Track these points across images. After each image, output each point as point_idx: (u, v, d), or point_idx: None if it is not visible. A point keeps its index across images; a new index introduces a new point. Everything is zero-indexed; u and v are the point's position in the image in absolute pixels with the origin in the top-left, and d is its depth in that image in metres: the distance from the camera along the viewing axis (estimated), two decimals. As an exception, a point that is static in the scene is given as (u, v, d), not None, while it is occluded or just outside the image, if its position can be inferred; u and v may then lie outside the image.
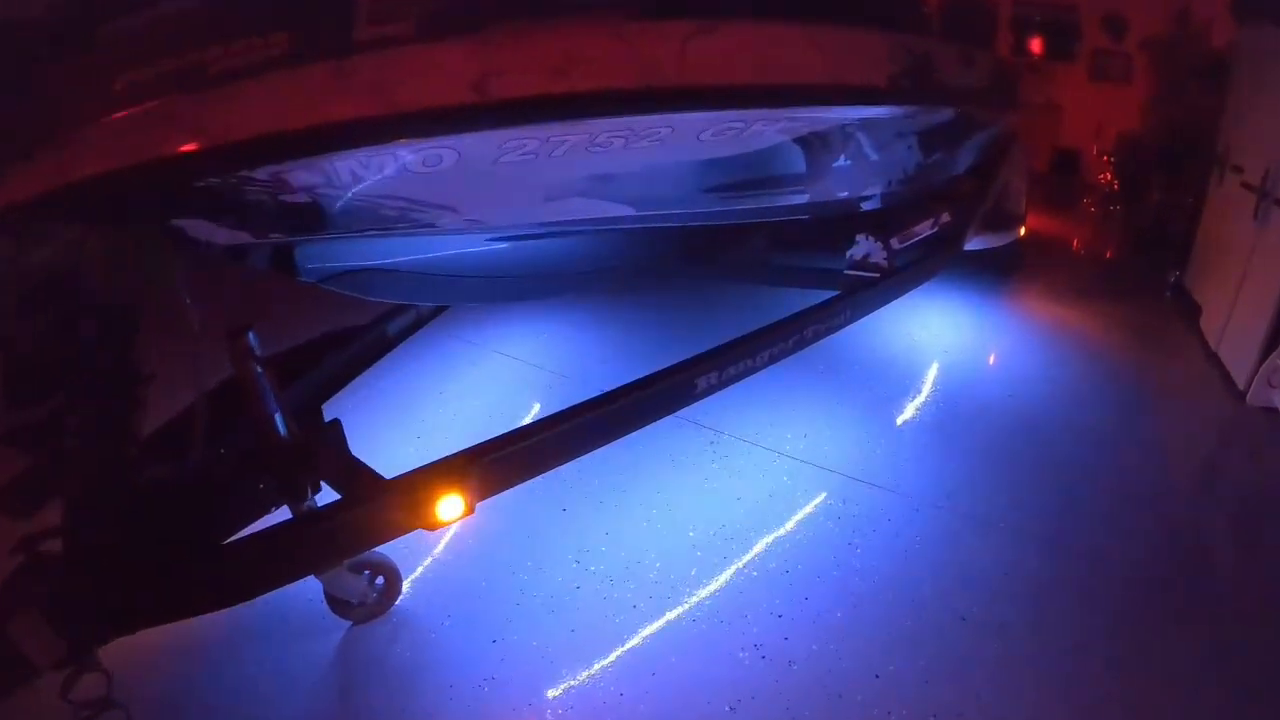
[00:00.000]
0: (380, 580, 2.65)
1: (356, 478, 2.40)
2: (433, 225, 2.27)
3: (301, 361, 3.01)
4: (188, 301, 2.06)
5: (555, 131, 1.98)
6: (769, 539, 3.32)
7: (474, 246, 2.87)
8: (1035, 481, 3.74)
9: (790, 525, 3.41)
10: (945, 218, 4.73)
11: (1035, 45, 8.81)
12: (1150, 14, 8.00)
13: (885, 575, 3.12)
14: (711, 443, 3.96)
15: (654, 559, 3.14)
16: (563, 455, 2.61)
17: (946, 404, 4.42)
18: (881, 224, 4.32)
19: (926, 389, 4.59)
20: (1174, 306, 5.85)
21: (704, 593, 3.01)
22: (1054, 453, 3.98)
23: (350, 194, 2.00)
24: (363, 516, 2.26)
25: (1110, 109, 8.24)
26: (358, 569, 2.56)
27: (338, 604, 2.61)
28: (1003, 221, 5.82)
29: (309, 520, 2.36)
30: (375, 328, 3.47)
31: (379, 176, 1.95)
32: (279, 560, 2.17)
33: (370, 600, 2.63)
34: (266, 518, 2.47)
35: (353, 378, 3.31)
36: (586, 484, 3.54)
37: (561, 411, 2.58)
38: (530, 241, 2.96)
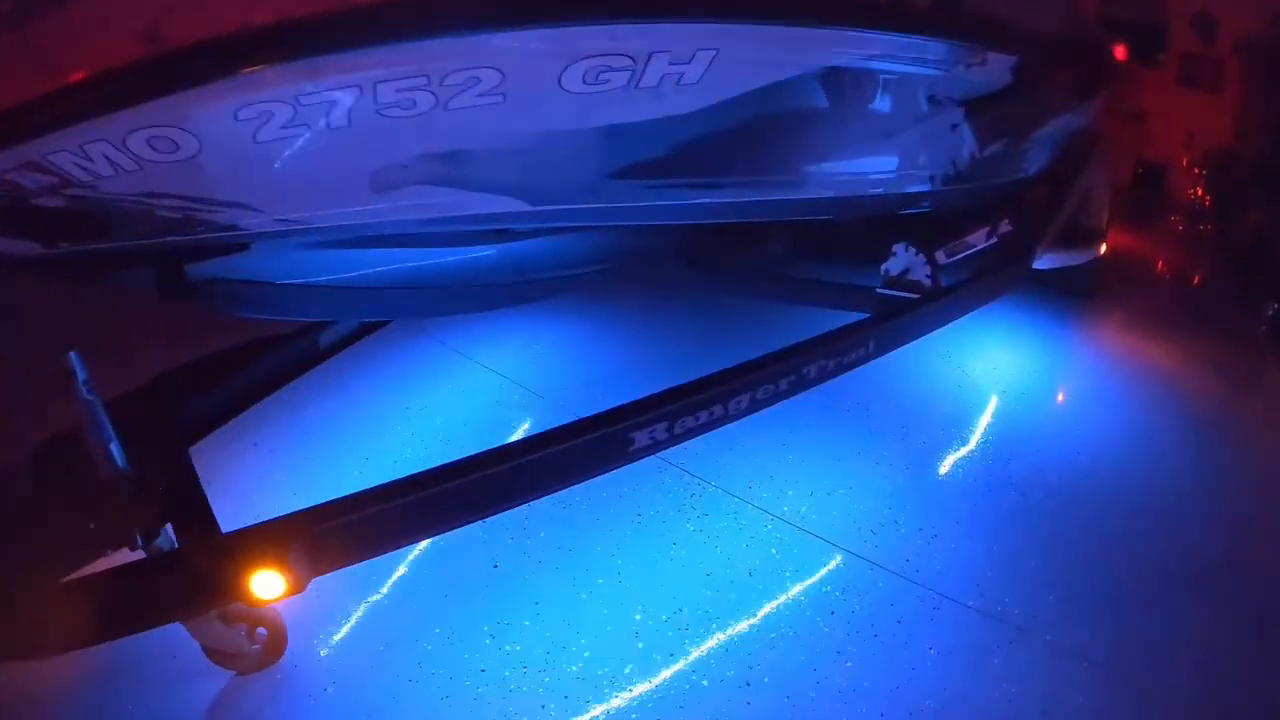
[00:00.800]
0: (261, 631, 2.32)
1: (189, 529, 1.98)
2: (237, 227, 1.84)
3: (201, 377, 2.65)
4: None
5: (287, 87, 1.53)
6: (734, 633, 2.61)
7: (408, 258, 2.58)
8: (1099, 577, 2.91)
9: (770, 622, 2.68)
10: (1006, 227, 3.83)
11: (1120, 51, 7.91)
12: (1243, 14, 7.04)
13: (878, 701, 2.37)
14: (693, 495, 3.25)
15: (584, 645, 2.54)
16: (431, 527, 2.19)
17: (997, 462, 3.57)
18: (927, 232, 3.53)
19: (974, 440, 3.75)
20: (1271, 343, 5.00)
21: (632, 702, 2.35)
22: (1125, 535, 3.14)
23: (96, 193, 1.63)
24: (163, 581, 1.93)
25: (1200, 118, 7.32)
26: (231, 620, 2.23)
27: (214, 653, 2.29)
28: (1081, 237, 4.89)
29: (120, 573, 1.93)
30: (301, 339, 3.03)
31: (111, 170, 1.59)
32: (103, 610, 1.84)
33: (250, 652, 2.31)
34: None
35: (267, 394, 2.89)
36: (530, 535, 2.96)
37: (433, 470, 2.06)
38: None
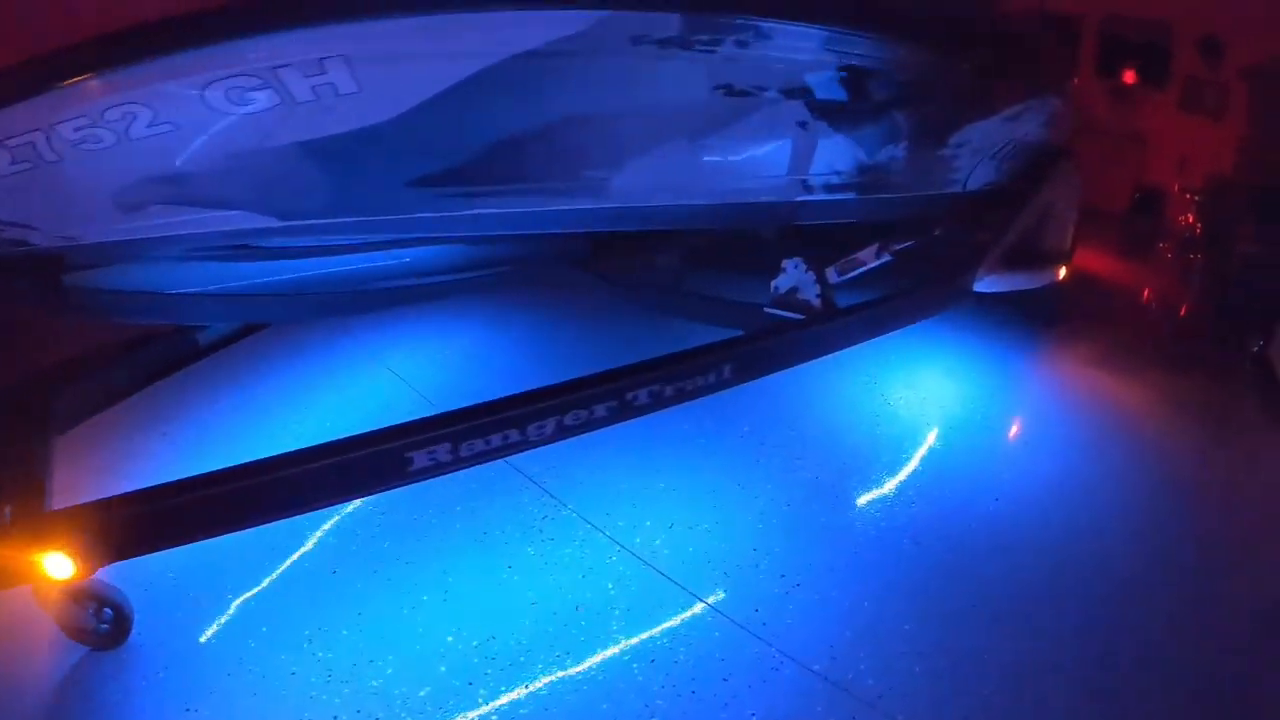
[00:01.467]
0: (108, 612, 2.41)
1: (21, 508, 2.05)
2: (28, 243, 1.97)
3: (76, 370, 2.74)
4: None
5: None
6: (539, 671, 2.34)
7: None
8: (983, 654, 2.49)
9: (582, 665, 2.36)
10: (905, 244, 3.44)
11: (1128, 75, 7.51)
12: (1252, 39, 6.61)
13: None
14: (545, 517, 2.99)
15: (390, 661, 2.38)
16: (209, 528, 2.16)
17: (897, 506, 3.17)
18: (820, 245, 3.22)
19: (876, 479, 3.34)
20: (1253, 382, 4.52)
21: None
22: (1030, 606, 2.69)
23: None
24: None
25: (1201, 144, 6.85)
26: (79, 599, 2.33)
27: (67, 629, 2.39)
28: (1037, 259, 4.42)
29: None
30: (178, 337, 3.08)
31: None
32: None
33: (99, 630, 2.40)
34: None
35: (142, 388, 3.02)
36: (373, 544, 2.85)
37: (222, 471, 2.11)
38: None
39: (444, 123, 1.94)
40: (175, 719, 2.22)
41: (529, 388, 2.54)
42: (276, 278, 2.67)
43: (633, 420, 2.61)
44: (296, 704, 2.24)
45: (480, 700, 2.26)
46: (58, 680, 2.35)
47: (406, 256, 2.89)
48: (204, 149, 1.88)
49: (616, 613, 2.56)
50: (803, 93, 2.47)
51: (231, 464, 2.14)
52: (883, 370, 4.15)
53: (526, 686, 2.30)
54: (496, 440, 2.27)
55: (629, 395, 2.45)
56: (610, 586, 2.67)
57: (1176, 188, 6.86)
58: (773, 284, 3.23)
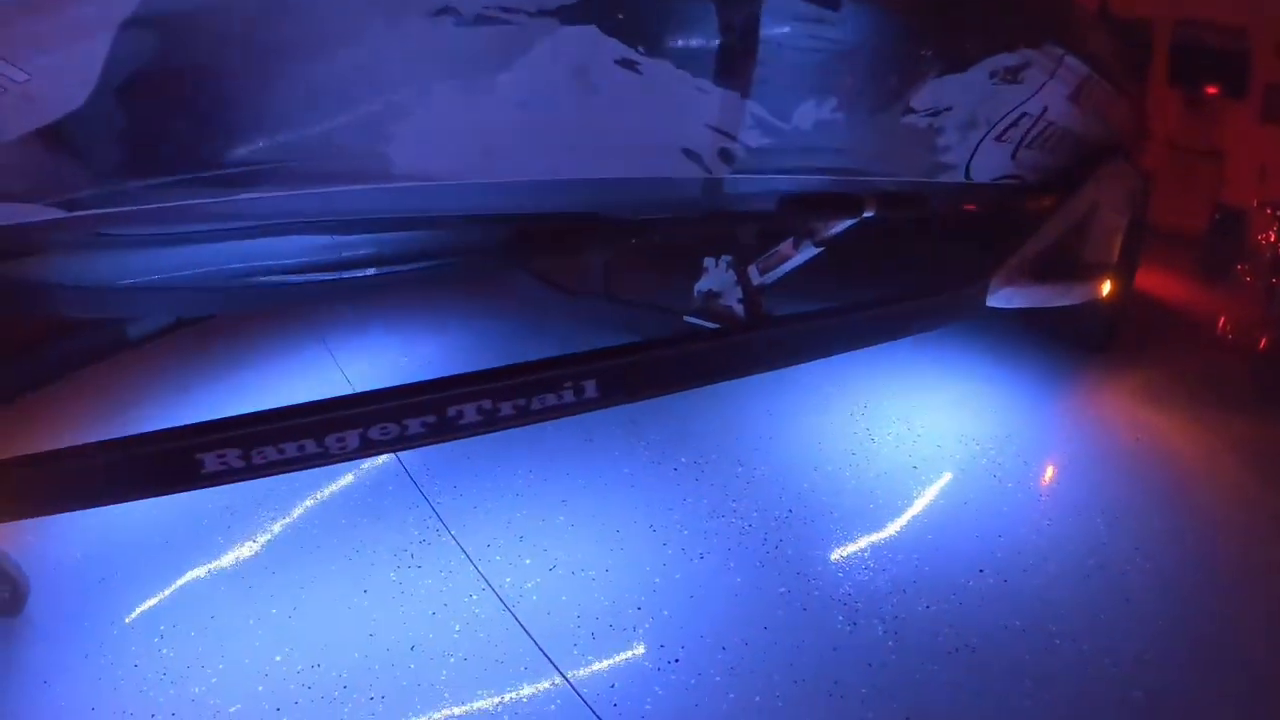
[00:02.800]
0: (6, 581, 2.47)
1: None
2: None
3: None
4: None
5: None
6: (350, 711, 1.99)
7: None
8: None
9: (390, 704, 1.98)
10: (825, 234, 2.79)
11: (1204, 85, 6.82)
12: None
13: None
14: (422, 541, 2.63)
15: (217, 672, 2.20)
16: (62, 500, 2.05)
17: (843, 570, 2.53)
18: (743, 241, 2.67)
19: (841, 542, 2.67)
20: None
21: None
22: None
23: None
24: None
25: None
26: None
27: None
28: (1070, 271, 3.72)
29: None
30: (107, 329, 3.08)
31: None
32: None
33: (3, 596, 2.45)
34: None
35: (66, 374, 3.07)
36: (251, 547, 2.66)
37: (80, 446, 1.95)
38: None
39: (135, 104, 1.56)
40: (33, 690, 2.21)
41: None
42: (197, 270, 2.37)
43: (500, 433, 2.16)
44: (128, 697, 2.16)
45: None
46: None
47: (318, 251, 2.50)
48: None
49: (452, 661, 2.14)
50: (603, 11, 1.84)
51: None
52: (877, 398, 3.52)
53: None
54: (292, 449, 1.94)
55: (450, 411, 2.03)
56: (457, 630, 2.24)
57: (1256, 202, 5.99)
58: (695, 287, 2.68)
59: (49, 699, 2.17)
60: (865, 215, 2.57)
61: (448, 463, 2.98)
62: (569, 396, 2.14)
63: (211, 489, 1.95)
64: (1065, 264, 3.74)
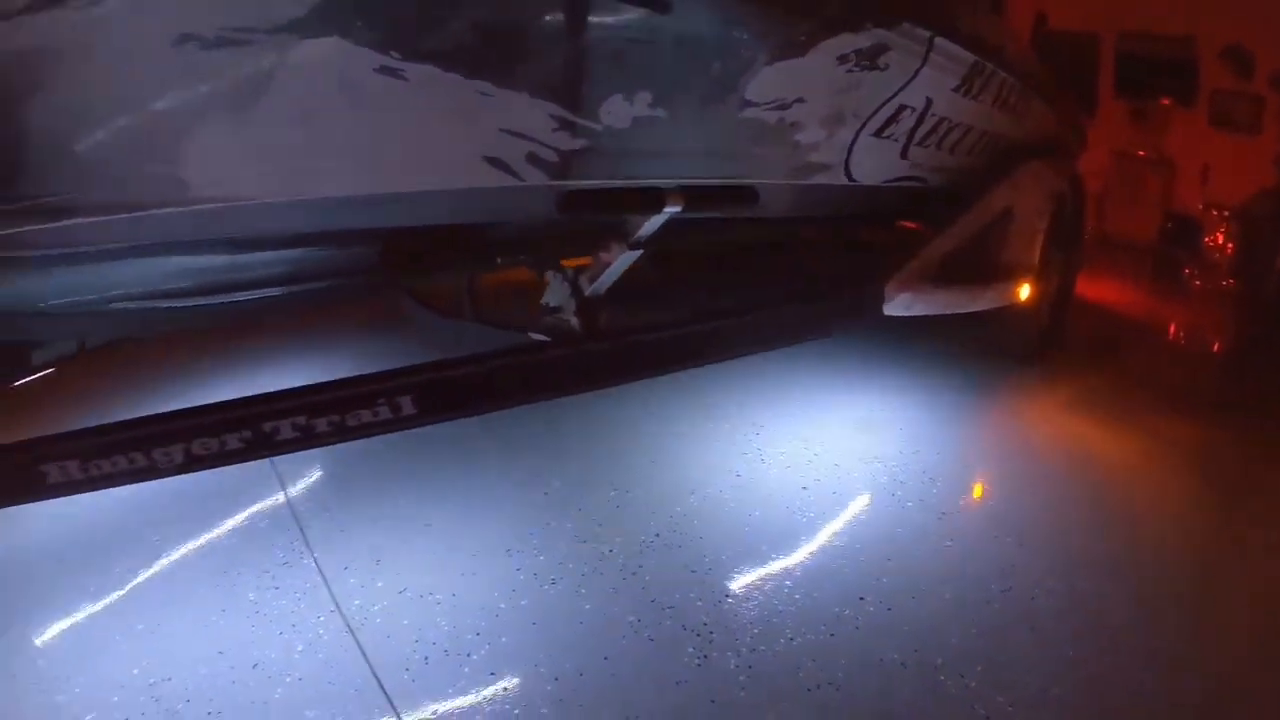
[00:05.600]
0: None
1: None
2: None
3: None
4: None
5: None
6: None
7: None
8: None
9: None
10: (641, 234, 2.51)
11: (1161, 98, 6.84)
12: (1282, 45, 5.81)
13: None
14: (285, 563, 2.54)
15: (77, 684, 2.15)
16: None
17: (724, 606, 2.33)
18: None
19: (708, 569, 2.46)
20: None
21: None
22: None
23: None
24: None
25: (1234, 162, 6.05)
26: None
27: None
28: (980, 274, 3.53)
29: None
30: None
31: None
32: None
33: None
34: None
35: None
36: (138, 552, 2.64)
37: None
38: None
39: None
40: None
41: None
42: (67, 298, 2.22)
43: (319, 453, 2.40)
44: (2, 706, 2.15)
45: None
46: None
47: (181, 278, 2.34)
48: None
49: (288, 680, 2.07)
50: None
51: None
52: (776, 416, 3.34)
53: None
54: (123, 462, 1.91)
55: (265, 426, 1.94)
56: (299, 650, 2.17)
57: (1202, 205, 5.93)
58: (540, 301, 2.53)
59: None
60: (670, 211, 2.36)
61: (326, 485, 2.92)
62: (385, 413, 2.01)
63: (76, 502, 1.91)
64: (974, 268, 3.55)
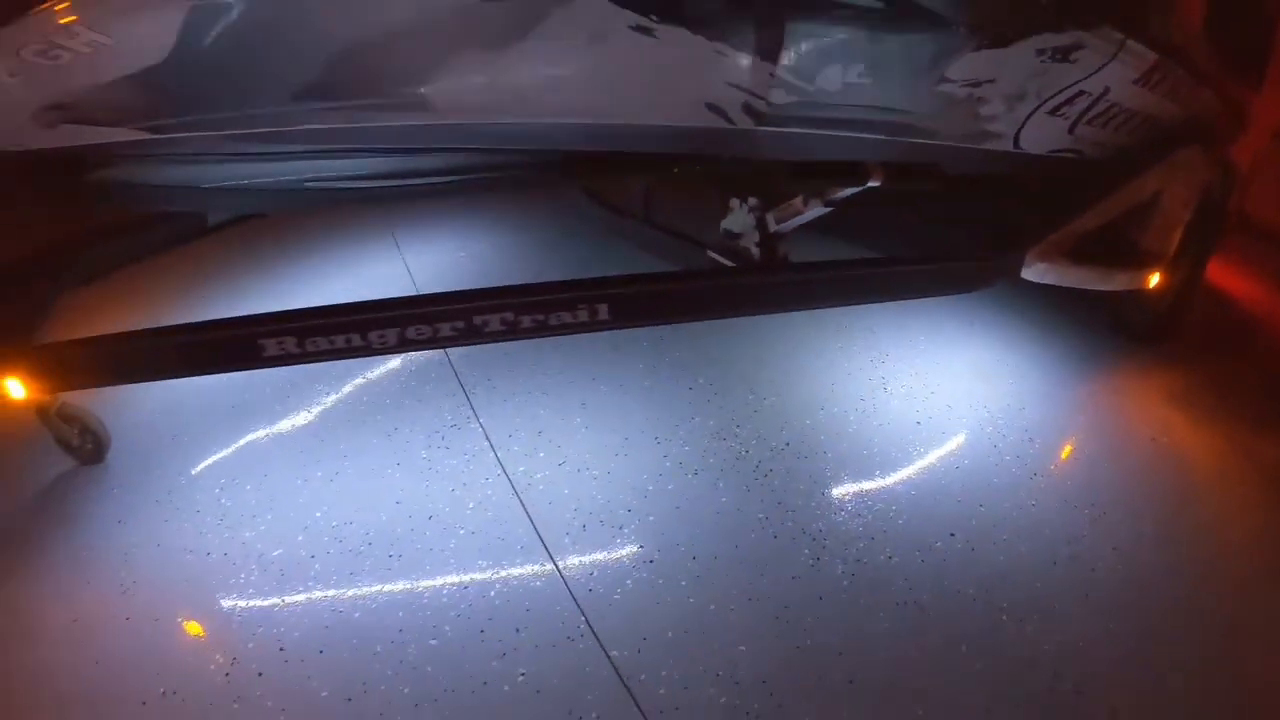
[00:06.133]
0: (89, 434, 2.85)
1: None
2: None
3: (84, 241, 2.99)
4: None
5: None
6: (365, 569, 2.41)
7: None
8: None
9: (404, 570, 2.37)
10: (836, 195, 2.84)
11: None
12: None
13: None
14: (453, 425, 2.98)
15: (264, 521, 2.62)
16: (146, 372, 2.48)
17: (838, 518, 2.71)
18: (766, 186, 2.80)
19: (826, 482, 2.86)
20: None
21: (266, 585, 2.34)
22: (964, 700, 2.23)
23: None
24: None
25: None
26: (68, 420, 2.80)
27: (59, 442, 2.86)
28: (1113, 253, 3.63)
29: None
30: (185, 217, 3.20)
31: None
32: None
33: (84, 448, 2.86)
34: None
35: (148, 257, 3.21)
36: (304, 411, 3.10)
37: (125, 333, 2.35)
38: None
39: (205, 60, 1.98)
40: (109, 528, 2.57)
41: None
42: (283, 177, 2.61)
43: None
44: (189, 537, 2.52)
45: (311, 574, 2.39)
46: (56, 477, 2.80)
47: (389, 161, 2.75)
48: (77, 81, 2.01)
49: (461, 533, 2.49)
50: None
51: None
52: (900, 349, 3.61)
53: (351, 574, 2.38)
54: (340, 341, 2.30)
55: (476, 319, 2.32)
56: (470, 506, 2.58)
57: None
58: (721, 224, 2.82)
59: (121, 535, 2.54)
60: (871, 185, 2.66)
61: (489, 358, 3.29)
62: (584, 316, 2.39)
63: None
64: (1112, 249, 3.63)
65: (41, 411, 2.72)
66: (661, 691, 2.01)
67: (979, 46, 2.44)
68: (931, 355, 3.65)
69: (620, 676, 2.06)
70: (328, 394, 3.13)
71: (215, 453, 2.88)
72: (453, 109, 2.11)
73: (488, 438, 2.88)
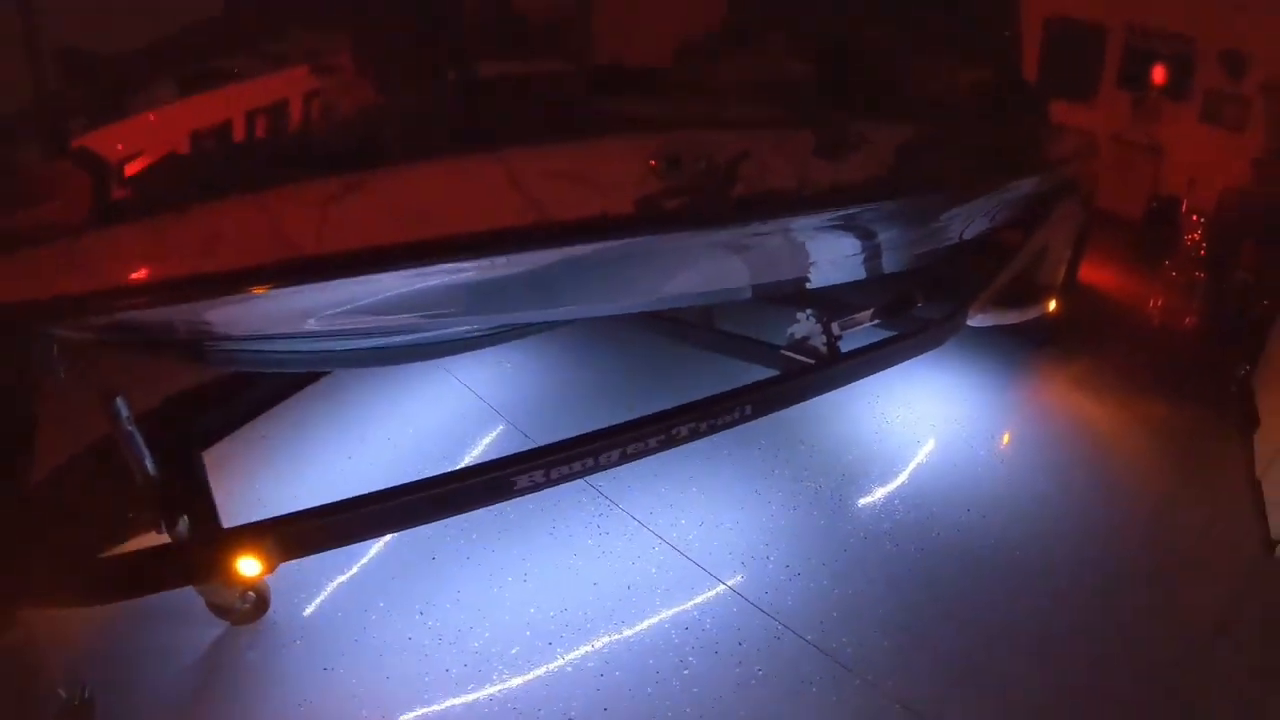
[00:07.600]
0: (251, 594, 3.00)
1: (199, 522, 2.67)
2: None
3: (209, 397, 3.38)
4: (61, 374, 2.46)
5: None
6: (602, 633, 3.19)
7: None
8: (941, 635, 3.30)
9: (633, 629, 3.23)
10: (896, 303, 4.34)
11: (1157, 74, 7.71)
12: (1276, 53, 6.87)
13: (702, 705, 2.92)
14: (601, 514, 3.80)
15: (486, 628, 3.15)
16: (366, 532, 2.98)
17: (883, 513, 3.97)
18: (827, 302, 4.05)
19: (866, 489, 4.13)
20: (1238, 408, 4.98)
21: (513, 678, 2.98)
22: (986, 600, 3.48)
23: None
24: (181, 559, 2.67)
25: (1218, 158, 7.08)
26: (231, 584, 2.87)
27: (213, 607, 2.98)
28: (1024, 295, 5.09)
29: (150, 552, 2.67)
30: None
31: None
32: (136, 576, 2.65)
33: (242, 608, 2.98)
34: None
35: (266, 409, 3.64)
36: (465, 536, 3.56)
37: (375, 493, 2.76)
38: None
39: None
40: (315, 676, 2.88)
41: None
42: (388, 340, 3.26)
43: None
44: (414, 661, 2.95)
45: (558, 656, 3.05)
46: (207, 648, 3.01)
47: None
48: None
49: (659, 591, 3.38)
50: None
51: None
52: (885, 391, 4.85)
53: (592, 645, 3.10)
54: (578, 466, 3.07)
55: (674, 430, 3.27)
56: (653, 570, 3.49)
57: (1185, 208, 7.22)
58: (788, 330, 4.03)
59: (337, 680, 2.86)
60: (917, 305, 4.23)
61: None
62: (737, 414, 3.46)
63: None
64: (1025, 290, 5.10)
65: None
66: (850, 652, 3.15)
67: (959, 205, 3.92)
68: (907, 391, 4.91)
69: (821, 651, 3.11)
70: (471, 513, 3.23)
71: (391, 585, 3.27)
72: (579, 309, 3.38)
73: (634, 518, 3.76)
